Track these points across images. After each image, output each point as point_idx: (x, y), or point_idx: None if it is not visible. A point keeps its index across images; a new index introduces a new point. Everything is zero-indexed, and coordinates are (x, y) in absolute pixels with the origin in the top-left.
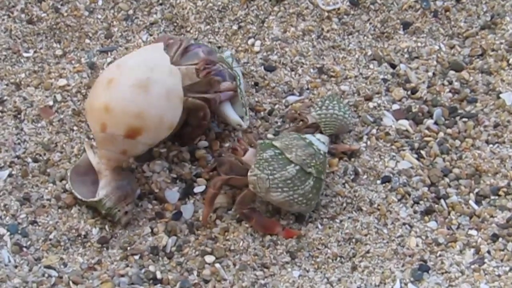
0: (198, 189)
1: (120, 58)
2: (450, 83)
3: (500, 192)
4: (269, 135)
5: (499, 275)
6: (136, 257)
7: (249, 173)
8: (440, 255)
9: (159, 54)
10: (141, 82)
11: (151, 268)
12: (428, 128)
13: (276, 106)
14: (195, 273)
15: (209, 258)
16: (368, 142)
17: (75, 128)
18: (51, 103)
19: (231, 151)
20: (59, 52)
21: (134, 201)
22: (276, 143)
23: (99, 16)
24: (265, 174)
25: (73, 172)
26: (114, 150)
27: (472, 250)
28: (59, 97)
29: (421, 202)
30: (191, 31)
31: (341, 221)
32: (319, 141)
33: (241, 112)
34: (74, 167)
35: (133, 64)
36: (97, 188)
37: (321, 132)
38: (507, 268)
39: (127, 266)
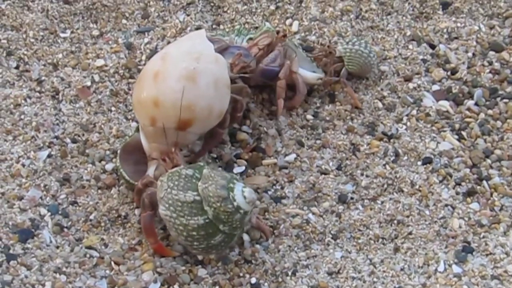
0: (237, 169)
1: (163, 49)
2: (490, 63)
3: None
4: (308, 116)
5: None
6: None
7: (160, 176)
8: (484, 237)
9: (202, 42)
10: (188, 73)
11: None
12: (468, 109)
13: (315, 87)
14: (236, 250)
15: (249, 238)
16: (408, 123)
17: (113, 108)
18: (88, 83)
19: (161, 160)
20: (96, 33)
21: None
22: (206, 170)
23: None
24: (167, 184)
25: (122, 150)
26: (165, 142)
27: None
28: (96, 78)
29: (463, 183)
30: (228, 11)
31: (382, 202)
32: (242, 193)
33: (312, 67)
34: (123, 146)
35: (178, 55)
36: (138, 168)
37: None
38: None
39: (168, 246)
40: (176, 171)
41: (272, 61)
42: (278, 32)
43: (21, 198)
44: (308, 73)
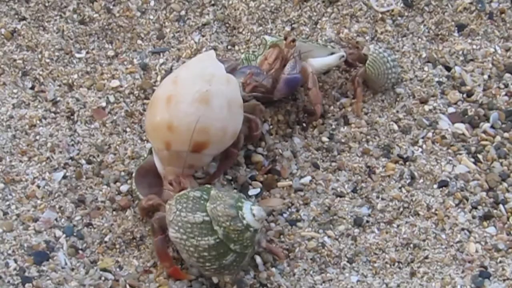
0: (252, 191)
1: (172, 72)
2: (506, 86)
3: None
4: (324, 138)
5: None
6: None
7: (168, 200)
8: (501, 262)
9: (213, 63)
10: (201, 96)
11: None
12: (484, 132)
13: (331, 108)
14: (252, 274)
15: (262, 261)
16: (424, 146)
17: (128, 129)
18: (104, 104)
19: (168, 183)
20: (111, 53)
21: None
22: (214, 191)
23: (151, 17)
24: (175, 207)
25: (136, 174)
26: (181, 165)
27: None
28: (112, 98)
29: (479, 207)
30: (244, 32)
31: (398, 225)
32: (251, 212)
33: (328, 51)
34: (138, 169)
35: (189, 78)
36: (153, 191)
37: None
38: None
39: (183, 269)
40: (184, 194)
41: (292, 69)
42: (286, 38)
43: (36, 220)
44: (327, 59)
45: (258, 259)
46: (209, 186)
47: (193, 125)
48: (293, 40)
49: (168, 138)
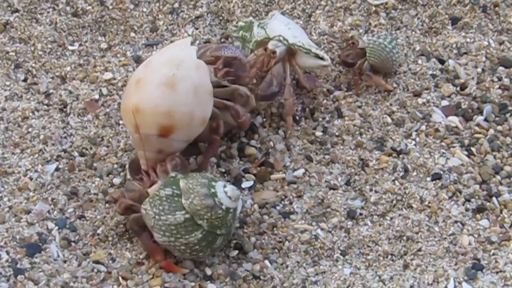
0: (246, 184)
1: (149, 57)
2: (500, 79)
3: None
4: (318, 133)
5: None
6: None
7: (142, 204)
8: (494, 254)
9: (185, 49)
10: (167, 79)
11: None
12: (478, 125)
13: (324, 102)
14: (245, 266)
15: (257, 254)
16: (418, 139)
17: (121, 122)
18: (96, 96)
19: (138, 179)
20: (104, 46)
21: None
22: (182, 182)
23: (144, 9)
24: (153, 212)
25: (129, 169)
26: (150, 150)
27: None
28: (104, 91)
29: (472, 200)
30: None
31: (391, 218)
32: (225, 194)
33: (317, 53)
34: (129, 164)
35: (159, 62)
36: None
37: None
38: None
39: (177, 263)
40: (155, 195)
41: (268, 86)
42: (266, 49)
43: (28, 212)
44: (312, 61)
45: (254, 252)
46: (174, 175)
47: (159, 108)
48: (273, 52)
49: (136, 120)
